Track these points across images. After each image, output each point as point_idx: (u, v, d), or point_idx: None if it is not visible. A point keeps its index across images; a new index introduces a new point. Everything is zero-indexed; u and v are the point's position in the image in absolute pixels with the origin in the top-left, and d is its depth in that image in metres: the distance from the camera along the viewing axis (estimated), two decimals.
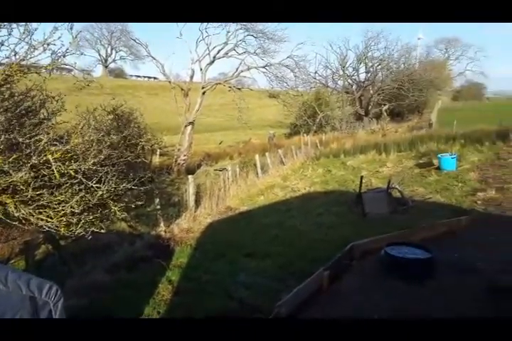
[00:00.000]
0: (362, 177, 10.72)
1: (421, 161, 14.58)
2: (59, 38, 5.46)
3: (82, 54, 6.35)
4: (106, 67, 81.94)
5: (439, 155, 13.07)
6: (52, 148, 4.99)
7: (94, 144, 5.84)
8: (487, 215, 8.25)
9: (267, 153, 17.73)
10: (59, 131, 6.28)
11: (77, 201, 5.33)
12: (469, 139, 16.06)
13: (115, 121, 10.30)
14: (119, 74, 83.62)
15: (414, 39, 60.53)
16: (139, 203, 6.76)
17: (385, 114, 38.51)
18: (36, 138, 4.97)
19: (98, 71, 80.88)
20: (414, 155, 15.79)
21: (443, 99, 57.20)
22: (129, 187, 6.00)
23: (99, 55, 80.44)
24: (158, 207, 8.97)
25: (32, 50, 5.41)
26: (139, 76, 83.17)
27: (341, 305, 4.91)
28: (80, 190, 5.53)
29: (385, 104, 40.95)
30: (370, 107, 41.88)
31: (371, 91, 42.04)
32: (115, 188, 5.83)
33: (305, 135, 28.18)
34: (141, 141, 9.83)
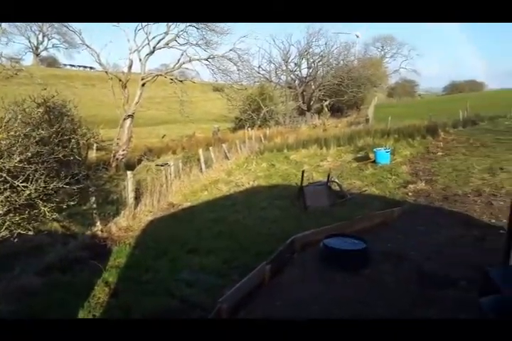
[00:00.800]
0: (303, 172, 10.98)
1: (358, 155, 15.26)
2: None
3: (9, 41, 5.79)
4: (37, 55, 75.48)
5: (375, 150, 13.76)
6: None
7: (20, 140, 5.39)
8: (417, 206, 8.83)
9: (211, 148, 17.55)
10: None
11: (1, 201, 4.91)
12: (402, 134, 17.07)
13: (46, 114, 9.54)
14: (51, 63, 77.56)
15: (352, 36, 62.80)
16: (72, 203, 6.36)
17: (326, 109, 39.77)
18: None
19: (28, 59, 74.53)
20: (353, 149, 16.47)
21: (379, 95, 60.26)
22: (61, 185, 5.62)
23: (30, 42, 74.08)
24: (95, 205, 8.50)
25: None
26: (73, 65, 77.65)
27: (282, 298, 5.01)
28: (5, 189, 5.10)
29: (325, 100, 42.30)
30: (312, 102, 43.06)
31: (313, 87, 43.26)
32: (45, 187, 5.43)
33: (249, 129, 28.30)
34: (74, 136, 9.21)
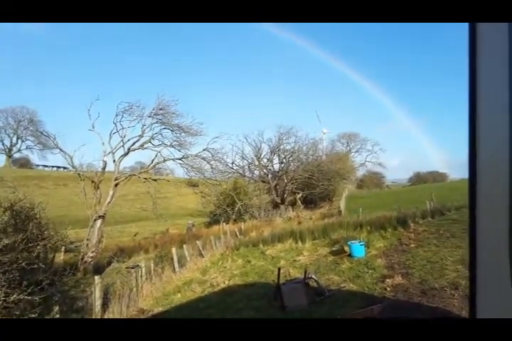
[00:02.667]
0: (280, 269, 10.74)
1: (334, 248, 15.23)
2: None
3: None
4: (9, 156, 76.48)
5: (349, 243, 13.83)
6: None
7: None
8: (396, 302, 8.60)
9: (184, 245, 17.18)
10: None
11: None
12: (374, 226, 17.41)
13: (12, 218, 9.34)
14: (24, 164, 78.10)
15: (319, 134, 68.00)
16: (33, 315, 5.86)
17: (299, 201, 40.75)
18: None
19: (0, 161, 75.22)
20: (328, 242, 16.50)
21: (349, 187, 62.82)
22: (22, 297, 5.25)
23: (3, 144, 75.56)
24: (58, 315, 7.83)
25: None
26: (46, 166, 78.19)
27: None
28: None
29: (298, 193, 43.63)
30: (285, 195, 44.21)
31: (285, 181, 44.92)
32: (4, 300, 5.06)
33: (224, 224, 28.23)
34: (38, 244, 8.89)
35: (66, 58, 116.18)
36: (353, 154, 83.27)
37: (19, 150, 78.26)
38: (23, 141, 76.97)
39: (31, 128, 71.88)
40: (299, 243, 17.27)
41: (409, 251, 13.30)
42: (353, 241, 13.98)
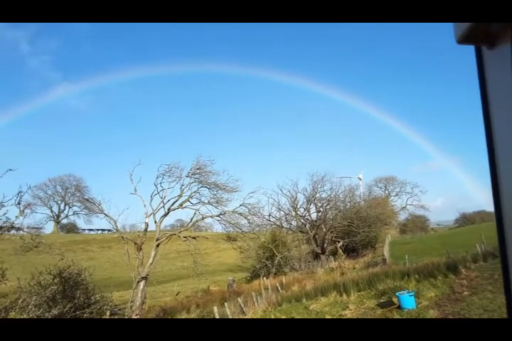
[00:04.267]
0: None
1: (381, 300, 14.46)
2: (4, 214, 5.68)
3: (32, 212, 6.44)
4: (58, 223, 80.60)
5: (398, 294, 13.13)
6: None
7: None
8: None
9: (226, 303, 16.86)
10: None
11: None
12: (423, 274, 16.51)
13: (61, 285, 9.72)
14: (71, 228, 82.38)
15: (355, 180, 67.33)
16: None
17: (341, 250, 39.42)
18: None
19: (50, 227, 79.20)
20: (374, 293, 15.71)
21: (391, 232, 60.47)
22: None
23: (52, 211, 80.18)
24: None
25: None
26: (91, 229, 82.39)
27: None
28: None
29: (339, 241, 42.35)
30: (325, 245, 43.00)
31: (324, 230, 43.92)
32: None
33: (265, 278, 27.60)
34: (85, 311, 9.11)
35: (106, 129, 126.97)
36: (392, 198, 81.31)
37: (67, 216, 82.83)
38: (70, 207, 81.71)
39: (78, 194, 76.52)
40: (344, 295, 16.53)
41: (464, 299, 12.45)
42: (401, 292, 13.27)
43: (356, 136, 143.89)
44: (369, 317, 12.72)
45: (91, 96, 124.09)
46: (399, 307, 12.79)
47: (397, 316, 12.02)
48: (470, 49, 1.21)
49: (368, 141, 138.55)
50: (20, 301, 5.61)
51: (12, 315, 5.10)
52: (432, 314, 11.43)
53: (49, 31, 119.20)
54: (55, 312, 6.06)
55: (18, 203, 5.87)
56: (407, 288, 14.01)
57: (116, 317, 18.72)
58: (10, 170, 5.77)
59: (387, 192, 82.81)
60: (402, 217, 78.69)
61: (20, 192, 5.91)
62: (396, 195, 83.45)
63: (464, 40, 1.13)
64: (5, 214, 5.65)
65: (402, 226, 71.94)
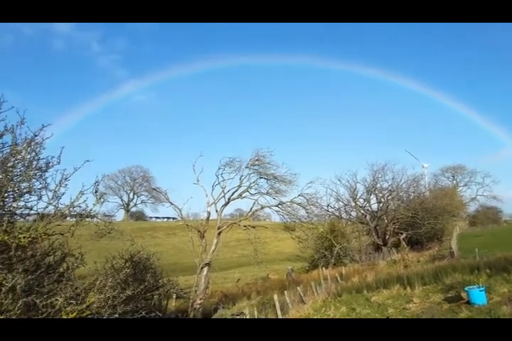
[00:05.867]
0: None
1: (449, 295, 13.81)
2: (84, 201, 6.18)
3: (105, 201, 6.94)
4: (127, 211, 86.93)
5: (467, 288, 12.47)
6: (68, 308, 5.04)
7: (109, 301, 5.88)
8: None
9: (285, 292, 17.08)
10: (77, 283, 6.39)
11: None
12: (494, 268, 15.47)
13: (132, 269, 10.53)
14: (139, 216, 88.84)
15: (419, 168, 63.83)
16: None
17: (404, 243, 37.97)
18: (53, 298, 5.05)
19: (120, 215, 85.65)
20: (441, 288, 15.04)
21: (460, 224, 56.99)
22: None
23: (122, 200, 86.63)
24: None
25: (59, 214, 5.97)
26: (158, 217, 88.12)
27: None
28: None
29: (402, 233, 40.74)
30: (387, 237, 41.59)
31: (386, 221, 42.39)
32: None
33: (324, 268, 27.47)
34: (154, 293, 9.78)
35: (170, 124, 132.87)
36: (461, 188, 76.32)
37: (135, 205, 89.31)
38: (138, 196, 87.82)
39: (145, 184, 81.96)
40: (408, 289, 16.00)
41: None
42: (471, 287, 12.57)
43: (426, 128, 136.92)
44: (435, 311, 12.22)
45: (155, 92, 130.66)
46: (468, 302, 12.15)
47: (466, 312, 11.43)
48: None
49: (438, 132, 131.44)
50: (98, 282, 6.12)
51: (91, 294, 5.59)
52: (505, 310, 10.72)
53: (117, 31, 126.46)
54: (128, 292, 6.57)
55: (96, 191, 6.35)
56: (478, 283, 13.21)
57: (181, 301, 19.77)
58: (87, 161, 6.24)
59: (455, 182, 77.90)
60: (472, 208, 73.67)
61: (96, 181, 6.38)
62: (465, 185, 78.25)
63: None
64: (85, 201, 6.14)
65: (472, 218, 67.44)
